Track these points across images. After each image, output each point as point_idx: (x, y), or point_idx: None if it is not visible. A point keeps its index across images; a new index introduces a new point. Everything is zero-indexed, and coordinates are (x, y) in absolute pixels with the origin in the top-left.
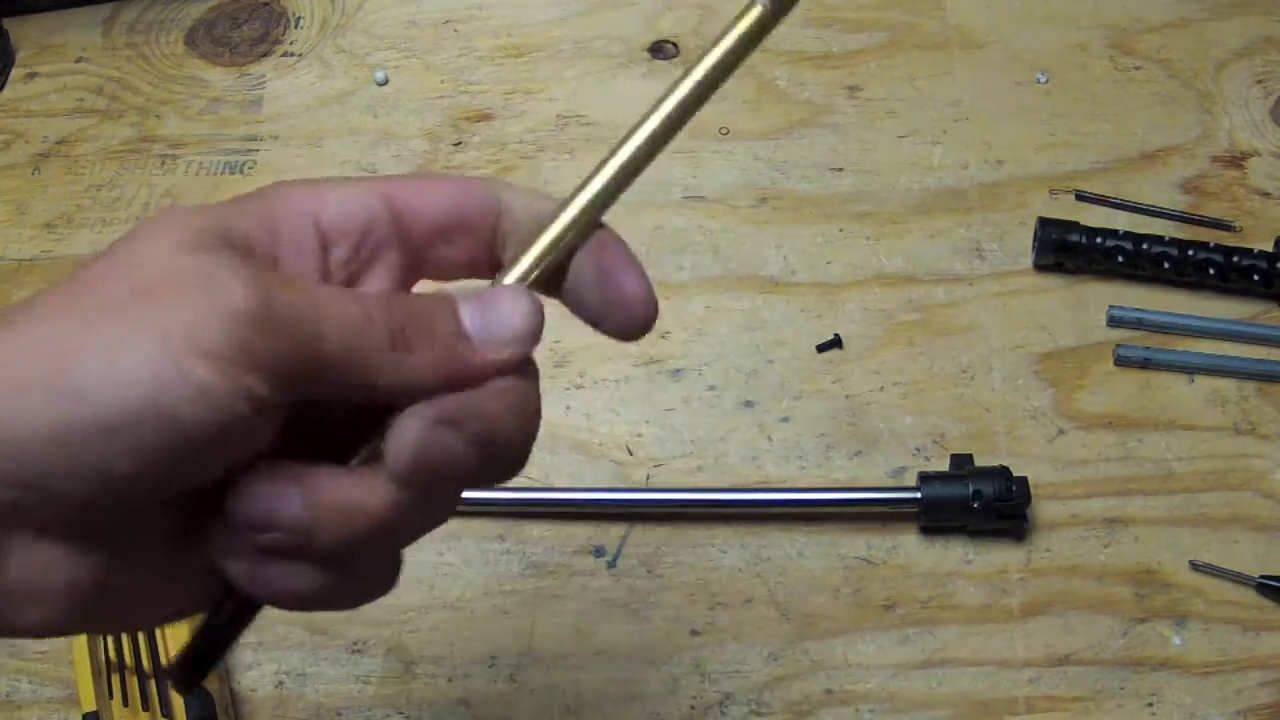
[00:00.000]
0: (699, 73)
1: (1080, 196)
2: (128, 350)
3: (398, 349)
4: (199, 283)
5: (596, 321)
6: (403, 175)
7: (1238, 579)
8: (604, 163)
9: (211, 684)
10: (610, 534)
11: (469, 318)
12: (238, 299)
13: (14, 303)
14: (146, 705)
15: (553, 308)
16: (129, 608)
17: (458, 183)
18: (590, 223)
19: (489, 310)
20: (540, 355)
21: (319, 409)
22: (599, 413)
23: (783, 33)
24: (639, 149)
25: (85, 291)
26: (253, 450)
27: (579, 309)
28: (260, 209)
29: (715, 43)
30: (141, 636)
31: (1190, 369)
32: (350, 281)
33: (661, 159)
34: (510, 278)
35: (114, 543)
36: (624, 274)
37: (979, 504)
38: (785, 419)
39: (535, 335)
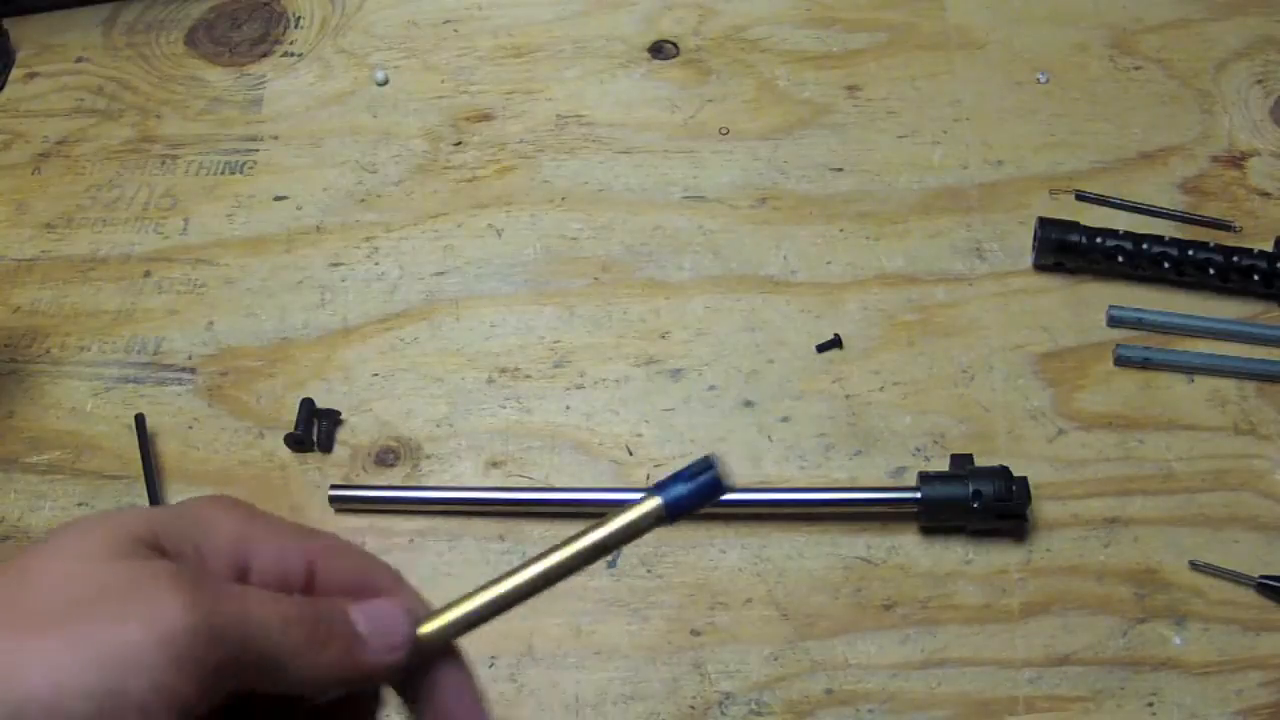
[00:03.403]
0: (589, 540)
1: (1080, 196)
2: (68, 671)
3: (312, 651)
4: (135, 596)
5: None
6: (325, 535)
7: (1238, 579)
8: (485, 588)
9: None
10: None
11: (359, 621)
12: (175, 615)
13: None
14: None
15: (549, 310)
16: None
17: (368, 562)
18: (465, 628)
19: (373, 617)
20: (540, 355)
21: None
22: (599, 413)
23: (783, 32)
24: (513, 589)
25: (19, 596)
26: None
27: None
28: (188, 529)
29: (608, 520)
30: None
31: (1190, 369)
32: None
33: (663, 159)
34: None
35: None
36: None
37: (979, 504)
38: (785, 419)
39: (410, 645)
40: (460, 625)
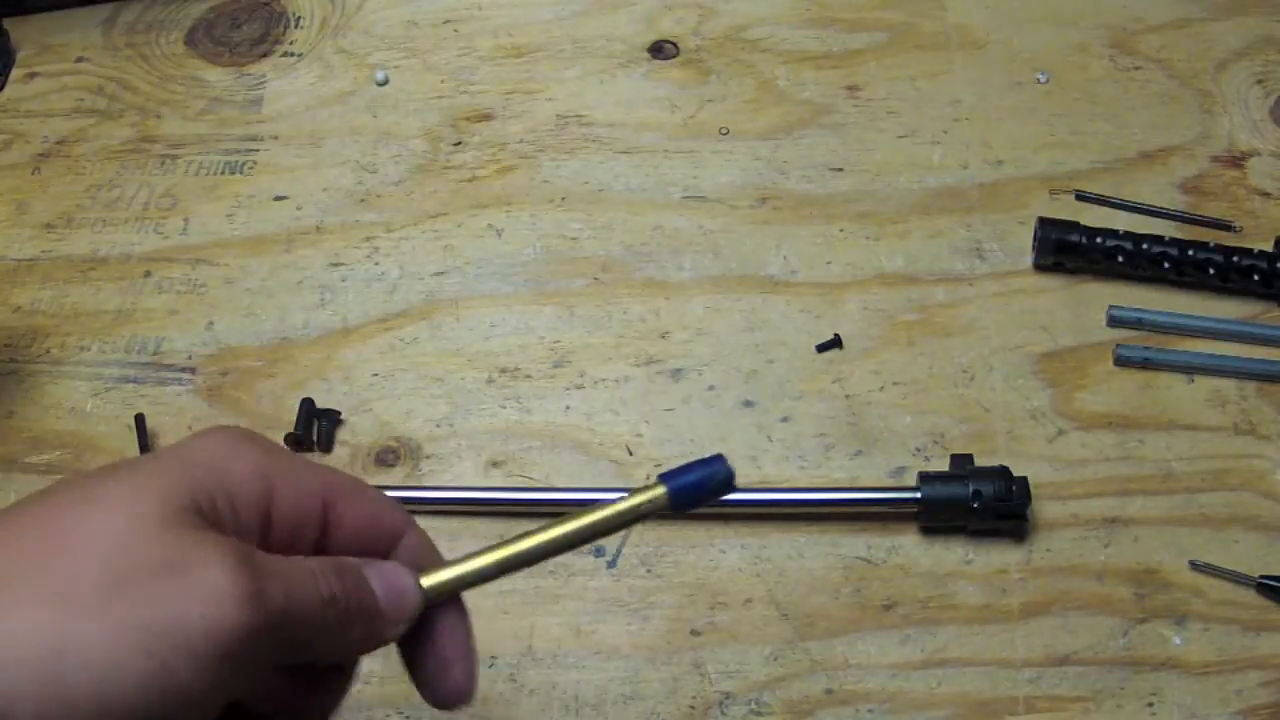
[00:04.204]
0: (592, 518)
1: (1080, 196)
2: (117, 652)
3: (342, 629)
4: (189, 576)
5: (416, 684)
6: (339, 475)
7: (1238, 579)
8: (490, 549)
9: None
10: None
11: (379, 590)
12: (232, 609)
13: None
14: None
15: (549, 310)
16: None
17: (380, 504)
18: (468, 585)
19: (387, 584)
20: (540, 355)
21: None
22: (599, 413)
23: (783, 32)
24: (517, 554)
25: (60, 563)
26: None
27: (409, 664)
28: (219, 481)
29: (614, 502)
30: None
31: (1190, 369)
32: None
33: (663, 159)
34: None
35: None
36: (457, 666)
37: (979, 504)
38: (785, 419)
39: (417, 612)
40: (462, 583)
